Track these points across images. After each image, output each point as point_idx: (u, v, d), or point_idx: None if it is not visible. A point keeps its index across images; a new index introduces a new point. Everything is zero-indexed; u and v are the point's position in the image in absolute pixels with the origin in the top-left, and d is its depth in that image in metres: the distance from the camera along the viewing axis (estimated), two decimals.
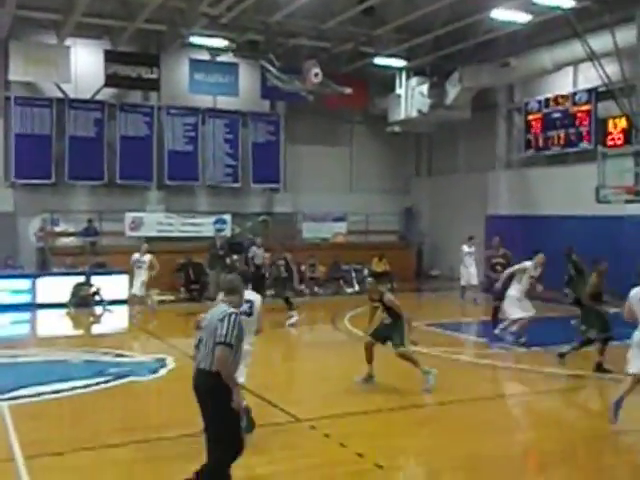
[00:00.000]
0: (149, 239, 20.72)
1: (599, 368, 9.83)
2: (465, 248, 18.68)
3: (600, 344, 9.91)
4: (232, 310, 5.07)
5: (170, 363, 10.65)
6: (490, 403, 8.99)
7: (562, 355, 10.50)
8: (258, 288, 18.62)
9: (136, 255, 15.79)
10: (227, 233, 21.16)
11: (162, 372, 10.17)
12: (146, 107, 21.70)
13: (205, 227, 21.62)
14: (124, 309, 16.98)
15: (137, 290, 15.66)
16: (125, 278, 17.58)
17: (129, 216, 20.77)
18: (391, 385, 9.63)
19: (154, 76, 21.09)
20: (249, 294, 6.76)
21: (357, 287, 21.01)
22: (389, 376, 10.21)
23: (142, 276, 15.59)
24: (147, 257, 15.73)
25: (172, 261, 19.97)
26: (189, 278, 19.45)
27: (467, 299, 18.54)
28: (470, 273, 18.52)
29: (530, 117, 21.09)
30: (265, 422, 7.36)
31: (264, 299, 19.47)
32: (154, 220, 21.11)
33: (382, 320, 9.32)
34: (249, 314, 6.79)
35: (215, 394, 4.94)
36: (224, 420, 4.97)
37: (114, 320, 16.28)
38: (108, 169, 20.87)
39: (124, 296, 17.23)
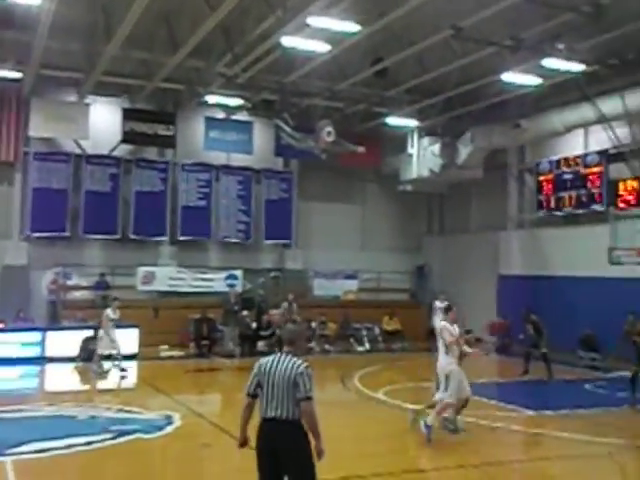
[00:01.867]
0: (161, 293, 20.88)
1: None
2: (437, 304, 18.43)
3: None
4: (307, 364, 5.25)
5: (177, 420, 10.50)
6: (504, 468, 8.75)
7: None
8: None
9: (109, 311, 15.29)
10: (238, 289, 21.14)
11: (168, 429, 10.02)
12: (161, 163, 22.07)
13: (216, 282, 21.66)
14: (133, 364, 16.86)
15: (113, 348, 15.19)
16: (135, 332, 17.52)
17: (141, 270, 20.87)
18: (400, 447, 9.43)
19: (170, 133, 21.52)
20: None
21: (368, 345, 20.81)
22: (398, 437, 10.02)
23: (114, 334, 15.25)
24: (118, 314, 15.40)
25: (183, 316, 19.95)
26: (201, 333, 19.36)
27: None
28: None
29: (541, 178, 21.21)
30: None
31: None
32: (166, 275, 21.19)
33: None
34: None
35: (302, 443, 5.14)
36: (309, 468, 5.17)
37: (122, 376, 16.11)
38: (122, 224, 21.12)
39: (134, 350, 17.14)
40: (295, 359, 5.27)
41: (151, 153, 22.26)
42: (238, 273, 21.95)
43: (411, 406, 10.88)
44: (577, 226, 20.04)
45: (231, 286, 21.03)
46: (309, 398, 5.11)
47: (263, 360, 5.40)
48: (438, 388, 9.93)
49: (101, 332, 15.28)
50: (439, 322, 17.97)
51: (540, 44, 14.96)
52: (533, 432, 10.35)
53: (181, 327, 19.90)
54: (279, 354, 5.38)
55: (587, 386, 14.58)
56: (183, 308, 20.05)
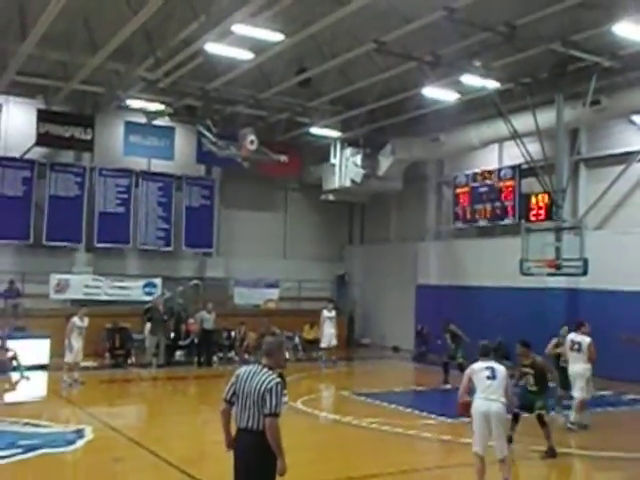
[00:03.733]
0: (74, 302, 20.15)
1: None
2: (325, 313, 19.40)
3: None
4: (277, 380, 5.29)
5: (88, 433, 10.15)
6: (418, 475, 8.91)
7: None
8: (208, 353, 18.56)
9: (76, 319, 15.02)
10: (156, 297, 20.58)
11: (79, 443, 9.67)
12: (78, 167, 21.36)
13: (134, 291, 21.12)
14: (44, 375, 16.23)
15: (77, 357, 14.90)
16: (46, 343, 16.89)
17: (54, 277, 20.12)
18: (319, 457, 9.46)
19: (88, 137, 20.84)
20: (492, 363, 7.84)
21: (288, 354, 20.74)
22: (317, 447, 10.06)
23: (80, 342, 14.92)
24: (86, 321, 15.14)
25: (99, 325, 19.28)
26: (114, 343, 18.83)
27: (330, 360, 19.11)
28: (332, 334, 19.28)
29: (458, 190, 21.84)
30: None
31: (213, 365, 18.69)
32: (81, 282, 20.49)
33: None
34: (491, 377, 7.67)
35: (268, 455, 5.17)
36: (270, 477, 5.23)
37: (31, 387, 15.47)
38: (35, 229, 20.30)
39: (44, 361, 16.48)
40: (269, 373, 5.32)
41: (67, 157, 21.52)
42: (157, 281, 21.48)
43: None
44: (491, 238, 20.75)
45: (161, 295, 20.40)
46: (273, 415, 5.15)
47: (241, 369, 5.48)
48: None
49: (66, 341, 14.79)
50: (332, 331, 18.98)
51: (458, 61, 15.43)
52: (449, 440, 10.57)
53: (96, 337, 19.26)
54: (257, 365, 5.44)
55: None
56: (99, 317, 19.40)
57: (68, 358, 14.85)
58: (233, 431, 5.39)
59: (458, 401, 7.95)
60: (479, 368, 7.79)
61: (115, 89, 18.67)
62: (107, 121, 21.40)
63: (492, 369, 7.73)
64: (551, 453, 9.43)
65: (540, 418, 9.48)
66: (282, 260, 24.91)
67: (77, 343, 14.88)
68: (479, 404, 7.62)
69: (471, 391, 7.84)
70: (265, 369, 5.36)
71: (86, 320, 15.13)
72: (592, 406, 11.85)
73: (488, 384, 7.63)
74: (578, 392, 11.13)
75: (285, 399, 12.51)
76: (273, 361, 5.47)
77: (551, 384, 10.09)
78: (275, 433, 5.14)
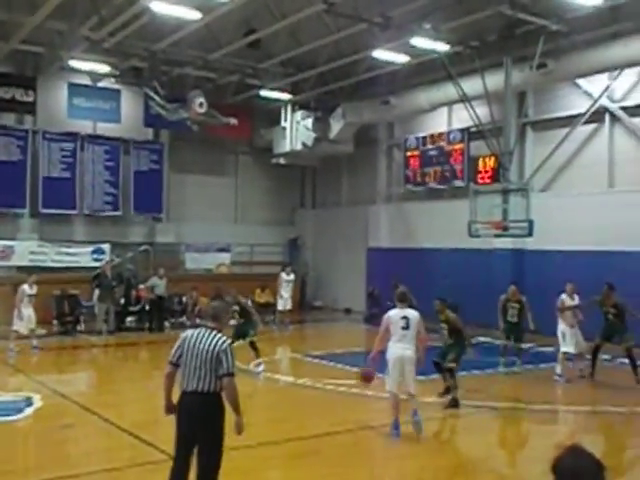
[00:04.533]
0: (20, 269, 19.69)
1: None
2: (284, 276, 19.77)
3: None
4: (229, 341, 5.45)
5: (37, 401, 10.03)
6: (370, 433, 9.12)
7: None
8: (160, 319, 18.44)
9: (25, 287, 14.84)
10: (104, 263, 20.25)
11: (28, 411, 9.55)
12: (20, 130, 20.63)
13: (82, 257, 20.71)
14: None
15: (30, 324, 14.78)
16: None
17: None
18: (270, 417, 9.58)
19: (30, 99, 20.14)
20: (406, 311, 8.56)
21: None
22: (268, 408, 10.18)
23: (30, 309, 14.79)
24: (35, 289, 15.00)
25: (45, 293, 18.94)
26: (63, 310, 18.54)
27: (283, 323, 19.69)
28: (288, 297, 19.77)
29: (409, 153, 21.98)
30: (141, 461, 7.08)
31: (165, 330, 18.61)
32: (26, 249, 19.98)
33: None
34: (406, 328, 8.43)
35: (218, 415, 5.29)
36: (220, 439, 5.33)
37: None
38: None
39: None
40: (219, 335, 5.41)
41: (8, 119, 20.75)
42: (106, 247, 21.10)
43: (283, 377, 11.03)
44: (441, 200, 21.03)
45: (111, 260, 20.10)
46: (230, 374, 5.26)
47: (188, 333, 5.52)
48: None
49: (15, 310, 14.60)
50: (288, 294, 19.22)
51: (408, 23, 15.38)
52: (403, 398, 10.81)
53: (43, 304, 18.93)
54: (203, 329, 5.48)
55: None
56: (46, 284, 19.04)
57: (18, 326, 14.64)
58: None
59: (373, 352, 8.79)
60: (395, 317, 8.52)
61: (57, 49, 17.97)
62: (50, 83, 20.67)
63: (407, 319, 8.50)
64: (454, 403, 10.06)
65: (450, 370, 10.19)
66: (234, 224, 24.76)
67: (27, 311, 14.72)
68: (394, 351, 8.50)
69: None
70: (215, 332, 5.43)
71: (35, 288, 14.93)
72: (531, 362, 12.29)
73: (403, 334, 8.48)
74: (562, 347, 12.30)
75: (261, 368, 12.60)
76: (220, 324, 5.56)
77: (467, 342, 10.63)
78: (234, 392, 5.26)
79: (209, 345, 5.29)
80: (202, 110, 17.59)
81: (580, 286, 12.68)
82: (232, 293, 13.54)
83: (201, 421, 5.28)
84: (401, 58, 17.35)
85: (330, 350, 15.46)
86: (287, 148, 22.75)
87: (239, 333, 12.66)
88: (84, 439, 8.53)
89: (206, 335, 5.38)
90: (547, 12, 14.69)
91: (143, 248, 21.99)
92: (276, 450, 8.09)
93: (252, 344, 12.79)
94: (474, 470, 7.78)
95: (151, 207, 22.81)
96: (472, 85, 16.74)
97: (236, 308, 13.29)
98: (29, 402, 9.98)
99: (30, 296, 14.83)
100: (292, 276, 19.91)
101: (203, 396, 5.27)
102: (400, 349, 8.45)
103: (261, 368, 12.70)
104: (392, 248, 22.08)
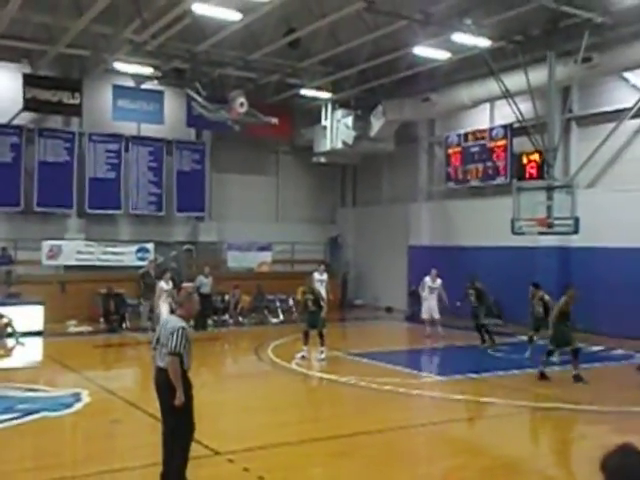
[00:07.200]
0: (67, 268, 20.20)
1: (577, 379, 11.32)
2: (316, 275, 17.81)
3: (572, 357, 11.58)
4: (181, 324, 6.14)
5: (85, 397, 10.26)
6: (411, 432, 9.08)
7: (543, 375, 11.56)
8: (203, 316, 18.74)
9: (162, 283, 15.65)
10: (148, 262, 20.58)
11: (77, 407, 9.78)
12: (67, 133, 21.15)
13: (127, 256, 21.13)
14: (39, 341, 16.33)
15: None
16: (40, 309, 16.99)
17: (47, 244, 20.08)
18: (312, 415, 9.61)
19: (76, 101, 20.61)
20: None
21: (282, 317, 20.94)
22: (310, 406, 10.22)
23: (166, 305, 15.12)
24: (171, 284, 15.68)
25: (91, 291, 19.44)
26: (109, 308, 18.92)
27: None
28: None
29: (450, 150, 21.78)
30: None
31: (207, 328, 19.23)
32: (73, 248, 20.47)
33: None
34: None
35: (169, 388, 6.03)
36: (174, 409, 6.06)
37: (27, 353, 15.59)
38: (25, 195, 20.19)
39: (39, 328, 16.61)
40: (178, 320, 6.23)
41: (56, 122, 21.29)
42: (149, 246, 21.47)
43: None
44: (483, 198, 20.78)
45: (154, 260, 20.37)
46: (171, 354, 6.00)
47: (162, 319, 6.66)
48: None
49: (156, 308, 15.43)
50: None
51: (449, 19, 15.26)
52: (439, 396, 10.75)
53: (90, 302, 19.39)
54: (173, 315, 6.51)
55: (492, 351, 15.23)
56: (92, 282, 19.50)
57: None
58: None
59: None
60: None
61: (102, 52, 18.38)
62: (95, 85, 21.14)
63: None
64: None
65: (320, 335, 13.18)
66: (274, 223, 24.91)
67: (164, 307, 15.12)
68: None
69: None
70: (176, 317, 6.31)
71: (171, 283, 15.71)
72: (582, 362, 12.06)
73: None
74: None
75: (324, 354, 13.67)
76: (184, 310, 6.37)
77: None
78: (173, 368, 5.99)
79: (167, 328, 6.16)
80: (243, 110, 17.77)
81: (625, 284, 12.39)
82: (306, 283, 14.66)
83: (162, 392, 6.16)
84: (442, 54, 17.20)
85: (371, 348, 15.44)
86: (327, 147, 22.77)
87: (312, 322, 13.78)
88: (131, 434, 8.69)
89: (171, 320, 6.32)
90: (591, 5, 14.40)
91: (186, 247, 22.30)
92: (318, 447, 8.12)
93: (320, 335, 13.78)
94: (517, 470, 7.68)
95: (194, 207, 23.10)
96: (515, 80, 16.50)
97: (310, 297, 13.98)
98: (77, 398, 10.21)
99: (168, 291, 15.38)
100: (325, 275, 18.96)
101: (163, 371, 6.11)
102: None
103: (323, 355, 13.66)
104: (433, 246, 21.91)
